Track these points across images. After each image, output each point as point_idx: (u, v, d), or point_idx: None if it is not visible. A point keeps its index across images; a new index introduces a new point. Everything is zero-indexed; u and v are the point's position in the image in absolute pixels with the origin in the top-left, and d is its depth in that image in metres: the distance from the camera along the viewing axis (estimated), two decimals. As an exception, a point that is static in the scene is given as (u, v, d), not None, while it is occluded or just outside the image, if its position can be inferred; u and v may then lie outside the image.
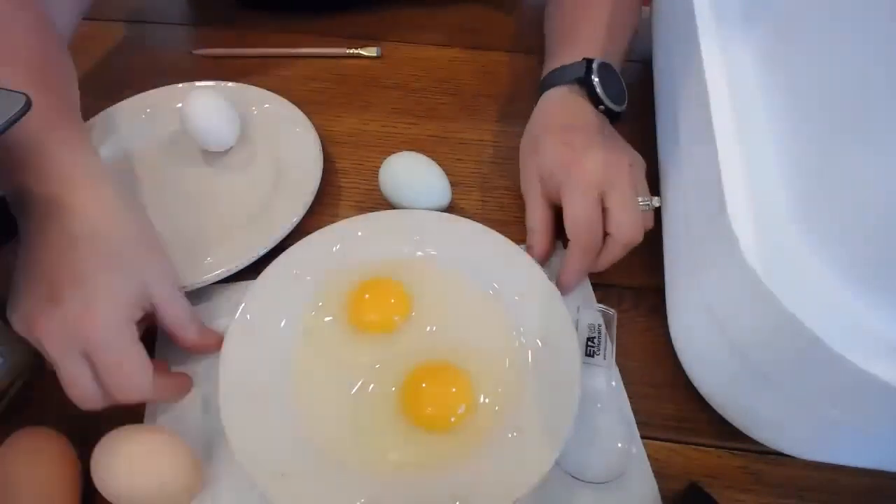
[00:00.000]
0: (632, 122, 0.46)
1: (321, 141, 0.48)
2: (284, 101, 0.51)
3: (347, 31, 0.61)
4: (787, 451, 0.34)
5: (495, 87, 0.56)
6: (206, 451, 0.34)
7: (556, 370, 0.36)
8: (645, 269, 0.42)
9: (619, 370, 0.38)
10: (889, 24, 0.26)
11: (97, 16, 0.59)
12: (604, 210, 0.38)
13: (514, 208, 0.46)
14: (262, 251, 0.41)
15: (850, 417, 0.27)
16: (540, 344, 0.37)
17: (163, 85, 0.51)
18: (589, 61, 0.43)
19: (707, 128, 0.32)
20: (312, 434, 0.34)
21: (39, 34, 0.40)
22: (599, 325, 0.39)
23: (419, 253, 0.42)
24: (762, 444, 0.34)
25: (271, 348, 0.37)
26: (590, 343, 0.38)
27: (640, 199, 0.39)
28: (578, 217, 0.38)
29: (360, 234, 0.42)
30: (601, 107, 0.43)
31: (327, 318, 0.39)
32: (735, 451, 0.36)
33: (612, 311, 0.40)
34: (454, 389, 0.35)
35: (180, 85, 0.52)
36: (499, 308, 0.39)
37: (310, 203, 0.44)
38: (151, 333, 0.37)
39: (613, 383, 0.37)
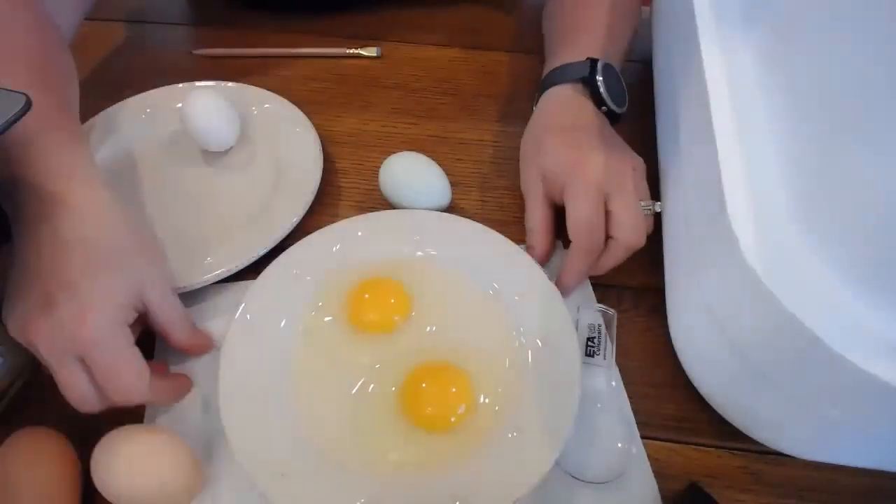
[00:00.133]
0: (632, 122, 0.46)
1: (321, 141, 0.48)
2: (284, 101, 0.51)
3: (347, 31, 0.61)
4: (787, 451, 0.34)
5: (495, 87, 0.56)
6: (206, 451, 0.34)
7: (556, 370, 0.36)
8: (645, 269, 0.42)
9: (619, 370, 0.38)
10: (889, 24, 0.26)
11: (97, 16, 0.58)
12: (606, 213, 0.38)
13: (514, 208, 0.46)
14: (262, 251, 0.41)
15: (850, 417, 0.27)
16: (540, 344, 0.37)
17: (163, 85, 0.51)
18: (594, 61, 0.43)
19: (707, 128, 0.32)
20: (312, 434, 0.34)
21: (39, 34, 0.40)
22: (599, 325, 0.39)
23: (419, 253, 0.42)
24: (762, 444, 0.34)
25: (271, 348, 0.37)
26: (590, 343, 0.38)
27: (642, 203, 0.39)
28: (581, 218, 0.38)
29: (360, 234, 0.42)
30: (603, 108, 0.43)
31: (327, 318, 0.39)
32: (735, 451, 0.36)
33: (612, 311, 0.40)
34: (454, 389, 0.35)
35: (180, 85, 0.52)
36: (499, 308, 0.39)
37: (310, 203, 0.44)
38: (151, 335, 0.37)
39: (613, 383, 0.37)
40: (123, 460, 0.30)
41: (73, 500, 0.31)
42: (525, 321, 0.38)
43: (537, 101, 0.46)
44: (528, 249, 0.42)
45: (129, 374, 0.31)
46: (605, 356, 0.38)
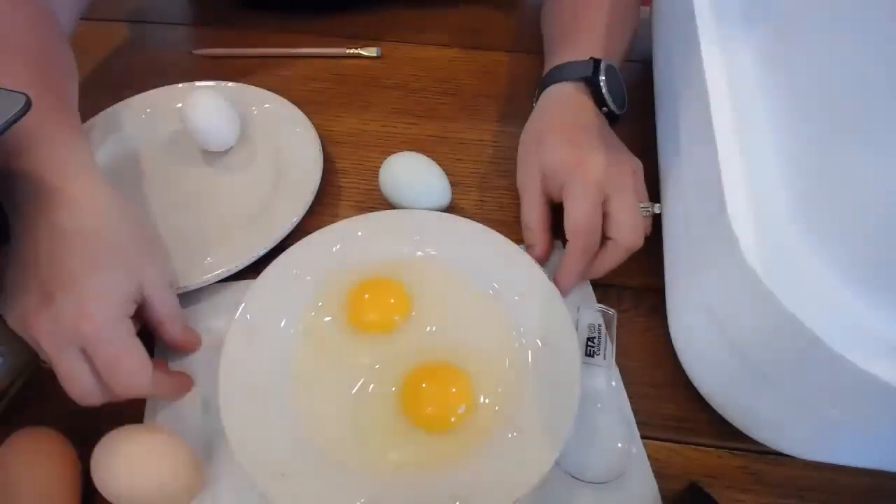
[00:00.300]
0: (632, 122, 0.46)
1: (321, 141, 0.48)
2: (284, 101, 0.51)
3: (347, 31, 0.61)
4: (787, 451, 0.34)
5: (495, 87, 0.56)
6: (206, 451, 0.34)
7: (556, 370, 0.36)
8: (645, 269, 0.42)
9: (619, 370, 0.38)
10: (889, 24, 0.26)
11: (97, 16, 0.59)
12: (605, 213, 0.38)
13: (514, 208, 0.46)
14: (262, 251, 0.41)
15: (850, 417, 0.27)
16: (540, 344, 0.37)
17: (163, 85, 0.51)
18: (597, 61, 0.43)
19: (707, 128, 0.32)
20: (312, 434, 0.34)
21: (39, 31, 0.40)
22: (599, 325, 0.39)
23: (419, 253, 0.42)
24: (762, 444, 0.34)
25: (271, 348, 0.37)
26: (590, 343, 0.38)
27: (640, 205, 0.39)
28: (580, 218, 0.38)
29: (360, 234, 0.42)
30: (604, 109, 0.43)
31: (327, 318, 0.39)
32: (735, 451, 0.36)
33: (612, 311, 0.40)
34: (454, 389, 0.35)
35: (180, 85, 0.52)
36: (499, 308, 0.39)
37: (310, 203, 0.44)
38: (150, 334, 0.37)
39: (613, 383, 0.37)
40: (123, 460, 0.30)
41: (73, 500, 0.31)
42: (525, 321, 0.38)
43: (537, 98, 0.46)
44: (528, 248, 0.42)
45: (131, 365, 0.31)
46: (605, 356, 0.38)
